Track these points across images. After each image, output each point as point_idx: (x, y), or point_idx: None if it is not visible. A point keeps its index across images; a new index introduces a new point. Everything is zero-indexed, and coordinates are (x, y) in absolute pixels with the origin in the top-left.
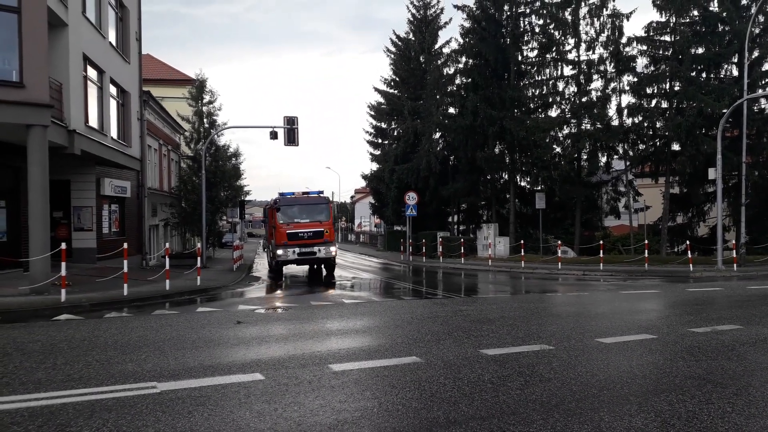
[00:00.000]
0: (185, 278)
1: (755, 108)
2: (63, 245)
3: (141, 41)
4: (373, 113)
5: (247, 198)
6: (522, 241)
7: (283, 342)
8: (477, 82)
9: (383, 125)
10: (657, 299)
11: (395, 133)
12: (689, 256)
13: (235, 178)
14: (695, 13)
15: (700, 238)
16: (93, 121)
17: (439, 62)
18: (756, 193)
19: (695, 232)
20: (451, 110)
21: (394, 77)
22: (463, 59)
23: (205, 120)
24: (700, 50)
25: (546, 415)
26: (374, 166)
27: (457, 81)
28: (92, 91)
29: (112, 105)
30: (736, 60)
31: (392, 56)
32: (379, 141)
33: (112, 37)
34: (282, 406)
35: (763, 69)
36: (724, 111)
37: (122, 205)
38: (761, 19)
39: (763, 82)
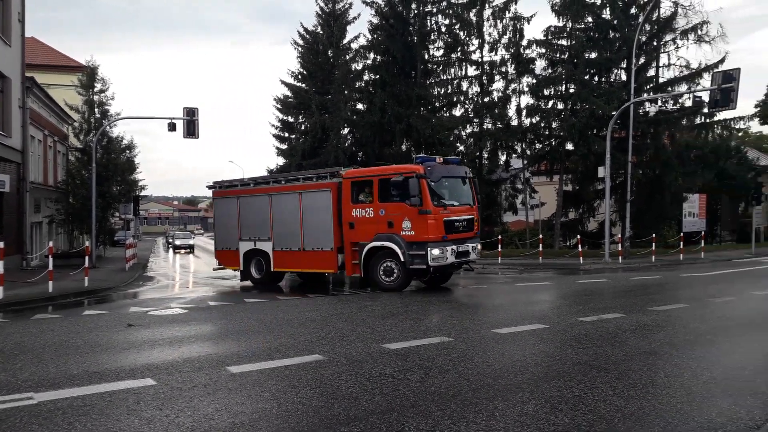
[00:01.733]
0: (71, 279)
1: (641, 111)
2: None
3: (24, 23)
4: (279, 107)
5: (143, 193)
6: None
7: (178, 345)
8: (385, 79)
9: (290, 119)
10: (550, 291)
11: (303, 128)
12: (580, 249)
13: (129, 172)
14: (590, 19)
15: (590, 233)
16: None
17: (347, 57)
18: (639, 190)
19: (586, 226)
20: (360, 106)
21: (301, 71)
22: (372, 55)
23: (96, 110)
24: (594, 55)
25: (443, 406)
26: (281, 161)
27: (366, 77)
28: None
29: None
30: (624, 65)
31: (300, 49)
32: (286, 135)
33: None
34: (174, 412)
35: (648, 74)
36: (613, 113)
37: (0, 200)
38: (647, 27)
39: (648, 87)
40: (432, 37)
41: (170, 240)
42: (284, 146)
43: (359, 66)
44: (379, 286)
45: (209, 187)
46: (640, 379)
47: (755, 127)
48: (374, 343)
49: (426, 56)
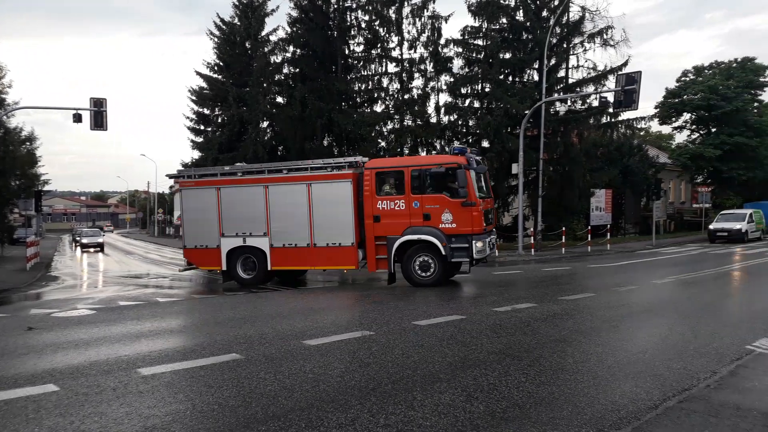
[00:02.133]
0: None
1: (551, 110)
2: None
3: None
4: (195, 98)
5: (46, 188)
6: None
7: (84, 348)
8: (305, 72)
9: (206, 111)
10: (467, 283)
11: (219, 120)
12: (495, 242)
13: (29, 165)
14: (504, 20)
15: (505, 227)
16: None
17: (266, 50)
18: (550, 185)
19: (501, 221)
20: (280, 99)
21: (218, 62)
22: (291, 48)
23: None
24: (508, 55)
25: (363, 400)
26: (196, 155)
27: (285, 70)
28: None
29: None
30: (537, 66)
31: (216, 40)
32: (202, 128)
33: None
34: (80, 419)
35: (558, 75)
36: (526, 112)
37: None
38: (558, 30)
39: (558, 87)
40: (352, 33)
41: (77, 238)
42: (200, 139)
43: (278, 59)
44: (412, 281)
45: (172, 176)
46: (550, 365)
47: (655, 126)
48: (294, 340)
49: (346, 51)
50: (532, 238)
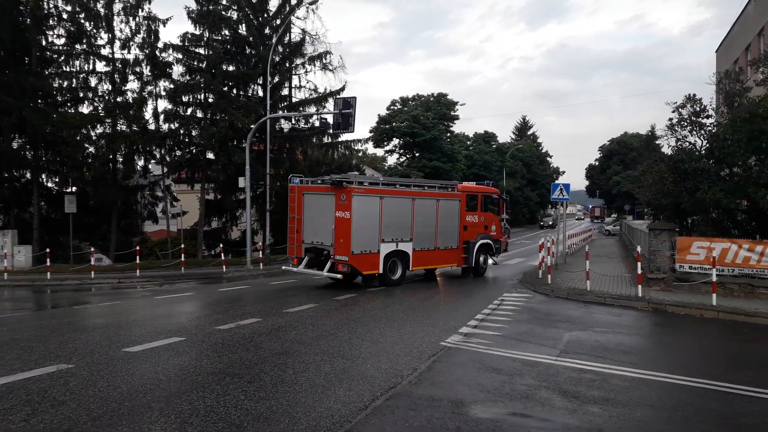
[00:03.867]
0: None
1: (277, 127)
2: None
3: None
4: None
5: None
6: (48, 250)
7: None
8: None
9: None
10: (190, 301)
11: None
12: (222, 258)
13: None
14: (227, 32)
15: (234, 241)
16: None
17: None
18: (279, 200)
19: (229, 235)
20: None
21: None
22: None
23: None
24: (232, 68)
25: None
26: None
27: None
28: None
29: None
30: (261, 82)
31: None
32: None
33: None
34: None
35: (283, 93)
36: (252, 126)
37: None
38: (281, 49)
39: (283, 105)
40: (51, 23)
41: None
42: None
43: None
44: (479, 272)
45: (339, 180)
46: (270, 379)
47: (371, 149)
48: None
49: (44, 42)
50: (260, 252)
